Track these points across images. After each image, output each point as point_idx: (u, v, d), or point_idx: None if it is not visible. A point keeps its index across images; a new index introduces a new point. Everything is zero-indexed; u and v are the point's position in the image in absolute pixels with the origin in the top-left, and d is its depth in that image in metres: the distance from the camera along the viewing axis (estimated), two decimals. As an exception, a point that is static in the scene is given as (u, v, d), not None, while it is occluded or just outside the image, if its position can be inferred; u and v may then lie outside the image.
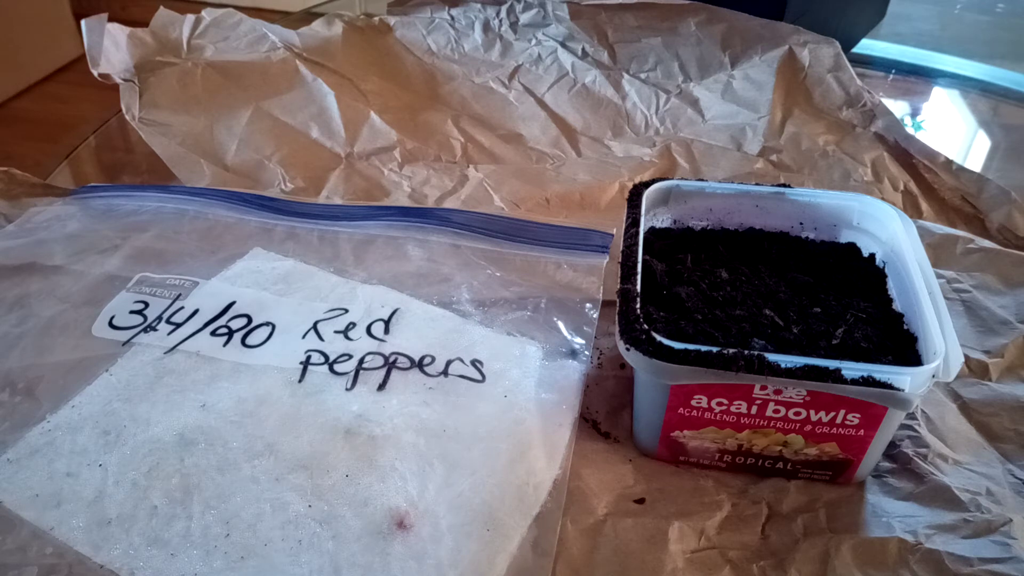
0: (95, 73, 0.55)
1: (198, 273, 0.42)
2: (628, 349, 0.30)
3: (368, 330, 0.39)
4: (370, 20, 0.67)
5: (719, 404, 0.30)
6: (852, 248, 0.38)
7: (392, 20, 0.67)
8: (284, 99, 0.58)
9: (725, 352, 0.28)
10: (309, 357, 0.37)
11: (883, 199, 0.41)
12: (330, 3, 0.81)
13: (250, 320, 0.39)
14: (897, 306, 0.34)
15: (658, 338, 0.29)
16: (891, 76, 0.74)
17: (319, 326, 0.39)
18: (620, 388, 0.37)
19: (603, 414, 0.36)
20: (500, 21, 0.67)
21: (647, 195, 0.38)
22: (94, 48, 0.55)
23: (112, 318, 0.39)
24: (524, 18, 0.67)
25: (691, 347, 0.29)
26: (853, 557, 0.29)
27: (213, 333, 0.39)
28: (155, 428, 0.33)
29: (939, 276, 0.42)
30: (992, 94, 0.70)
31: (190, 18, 0.60)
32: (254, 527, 0.30)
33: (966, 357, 0.37)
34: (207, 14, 0.61)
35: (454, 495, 0.31)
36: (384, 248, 0.45)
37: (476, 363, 0.37)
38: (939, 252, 0.44)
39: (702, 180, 0.39)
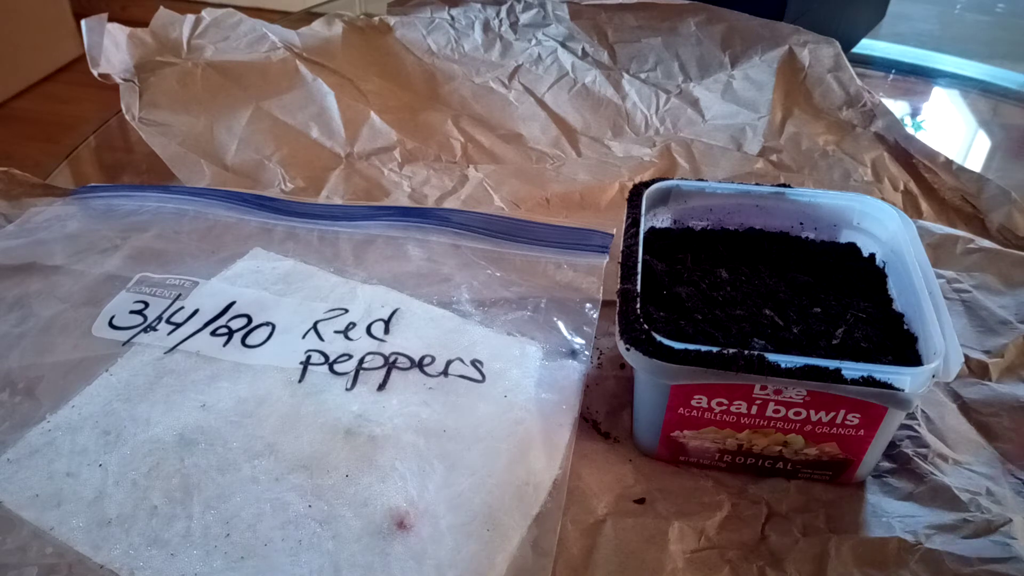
0: (95, 73, 0.55)
1: (198, 273, 0.42)
2: (628, 349, 0.30)
3: (368, 330, 0.39)
4: (370, 20, 0.67)
5: (719, 404, 0.30)
6: (852, 248, 0.38)
7: (392, 20, 0.67)
8: (284, 99, 0.58)
9: (725, 352, 0.28)
10: (309, 357, 0.37)
11: (883, 199, 0.41)
12: (330, 3, 0.81)
13: (250, 320, 0.39)
14: (897, 306, 0.34)
15: (658, 338, 0.29)
16: (891, 76, 0.74)
17: (319, 326, 0.39)
18: (620, 388, 0.37)
19: (603, 414, 0.36)
20: (500, 21, 0.67)
21: (647, 195, 0.38)
22: (94, 48, 0.55)
23: (112, 318, 0.39)
24: (524, 18, 0.67)
25: (691, 347, 0.29)
26: (853, 557, 0.29)
27: (213, 333, 0.39)
28: (155, 428, 0.33)
29: (939, 276, 0.42)
30: (992, 94, 0.70)
31: (190, 18, 0.60)
32: (254, 527, 0.30)
33: (966, 357, 0.37)
34: (207, 14, 0.61)
35: (454, 495, 0.31)
36: (384, 248, 0.45)
37: (476, 363, 0.37)
38: (939, 252, 0.44)
39: (702, 180, 0.39)
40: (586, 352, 0.38)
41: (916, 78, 0.74)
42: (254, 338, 0.38)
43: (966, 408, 0.36)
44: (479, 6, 0.68)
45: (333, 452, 0.32)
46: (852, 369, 0.28)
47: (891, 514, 0.31)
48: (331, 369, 0.36)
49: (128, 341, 0.38)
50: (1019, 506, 0.31)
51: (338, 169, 0.53)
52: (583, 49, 0.64)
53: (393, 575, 0.28)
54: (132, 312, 0.40)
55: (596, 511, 0.31)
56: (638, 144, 0.57)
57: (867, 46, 0.78)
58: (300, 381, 0.36)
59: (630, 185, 0.39)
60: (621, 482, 0.32)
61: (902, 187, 0.52)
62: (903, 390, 0.28)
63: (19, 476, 0.32)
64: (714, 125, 0.58)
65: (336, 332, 0.39)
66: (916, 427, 0.34)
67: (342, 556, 0.29)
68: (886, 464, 0.33)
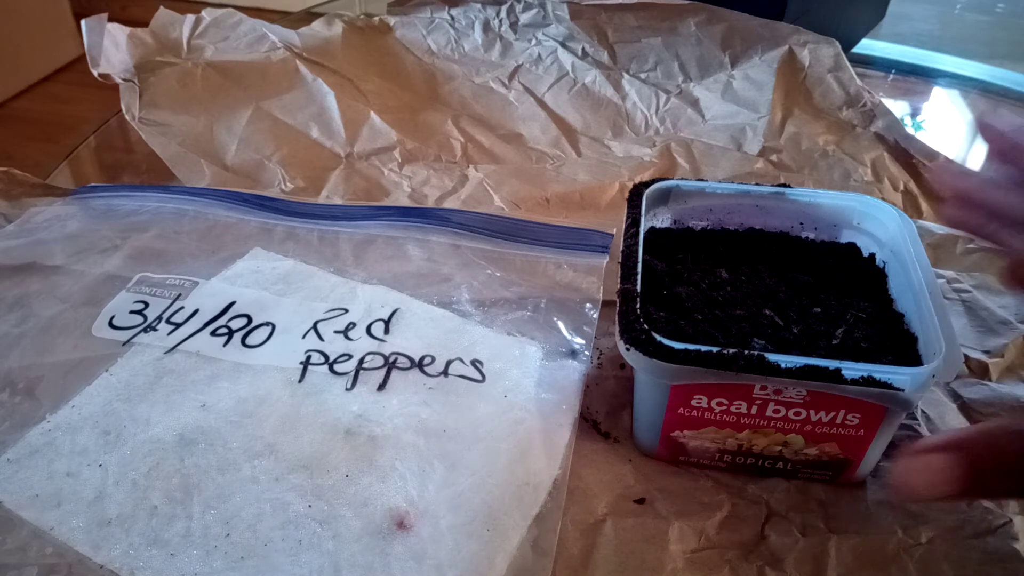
0: (95, 73, 0.55)
1: (198, 273, 0.42)
2: (628, 349, 0.29)
3: (368, 330, 0.39)
4: (370, 20, 0.67)
5: (719, 404, 0.30)
6: (852, 248, 0.38)
7: (392, 20, 0.67)
8: (284, 99, 0.58)
9: (725, 352, 0.28)
10: (309, 357, 0.37)
11: (883, 199, 0.41)
12: (330, 3, 0.81)
13: (250, 320, 0.39)
14: (897, 306, 0.34)
15: (658, 338, 0.29)
16: (891, 76, 0.74)
17: (319, 326, 0.39)
18: (620, 388, 0.37)
19: (603, 414, 0.36)
20: (500, 21, 0.67)
21: (647, 195, 0.38)
22: (94, 48, 0.55)
23: (112, 318, 0.39)
24: (524, 18, 0.67)
25: (691, 347, 0.29)
26: (852, 557, 0.29)
27: (213, 333, 0.39)
28: (155, 428, 0.33)
29: (939, 276, 0.42)
30: (992, 94, 0.70)
31: (190, 18, 0.60)
32: (254, 527, 0.30)
33: (966, 357, 0.37)
34: (207, 14, 0.61)
35: (454, 495, 0.31)
36: (384, 248, 0.45)
37: (476, 363, 0.37)
38: (939, 252, 0.44)
39: (702, 180, 0.39)
40: (586, 352, 0.38)
41: (916, 78, 0.74)
42: (254, 338, 0.38)
43: (966, 408, 0.36)
44: (479, 6, 0.68)
45: (333, 452, 0.32)
46: (852, 369, 0.28)
47: (891, 514, 0.31)
48: (331, 369, 0.36)
49: (128, 341, 0.38)
50: (1019, 506, 0.31)
51: (338, 169, 0.53)
52: (583, 49, 0.64)
53: (393, 575, 0.28)
54: (132, 312, 0.40)
55: (596, 511, 0.31)
56: (638, 144, 0.57)
57: (867, 46, 0.78)
58: (300, 381, 0.36)
59: (630, 185, 0.39)
60: (621, 482, 0.32)
61: (902, 187, 0.52)
62: (903, 390, 0.28)
63: (19, 476, 0.32)
64: (714, 125, 0.58)
65: (336, 332, 0.39)
66: (916, 427, 0.34)
67: (342, 556, 0.29)
68: (886, 464, 0.33)
